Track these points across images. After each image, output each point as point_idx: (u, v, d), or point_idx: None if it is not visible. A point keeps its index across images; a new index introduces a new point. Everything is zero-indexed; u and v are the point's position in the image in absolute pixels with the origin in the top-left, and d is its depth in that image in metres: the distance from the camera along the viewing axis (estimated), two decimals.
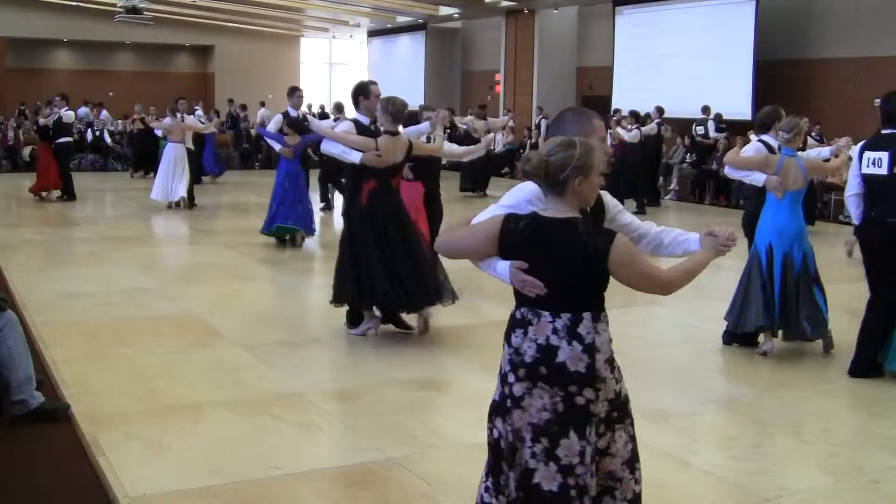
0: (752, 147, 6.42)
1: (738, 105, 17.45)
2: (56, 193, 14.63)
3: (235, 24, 27.95)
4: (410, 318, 6.59)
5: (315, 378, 5.51)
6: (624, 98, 19.89)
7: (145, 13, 22.47)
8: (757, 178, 6.10)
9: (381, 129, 6.29)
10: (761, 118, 6.71)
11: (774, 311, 6.01)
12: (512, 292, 2.87)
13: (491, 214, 2.94)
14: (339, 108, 15.28)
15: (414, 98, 24.62)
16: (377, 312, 6.43)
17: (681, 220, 14.49)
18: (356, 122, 6.39)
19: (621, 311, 6.70)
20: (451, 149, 7.77)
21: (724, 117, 17.36)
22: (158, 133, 15.81)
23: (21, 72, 27.45)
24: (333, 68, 32.79)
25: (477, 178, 17.01)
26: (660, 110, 16.50)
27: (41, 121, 14.55)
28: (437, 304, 6.37)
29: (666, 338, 6.59)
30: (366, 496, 3.88)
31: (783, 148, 6.13)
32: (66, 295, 7.71)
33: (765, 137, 6.44)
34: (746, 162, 6.21)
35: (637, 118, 15.35)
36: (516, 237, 2.80)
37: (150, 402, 5.00)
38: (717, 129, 17.24)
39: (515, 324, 2.83)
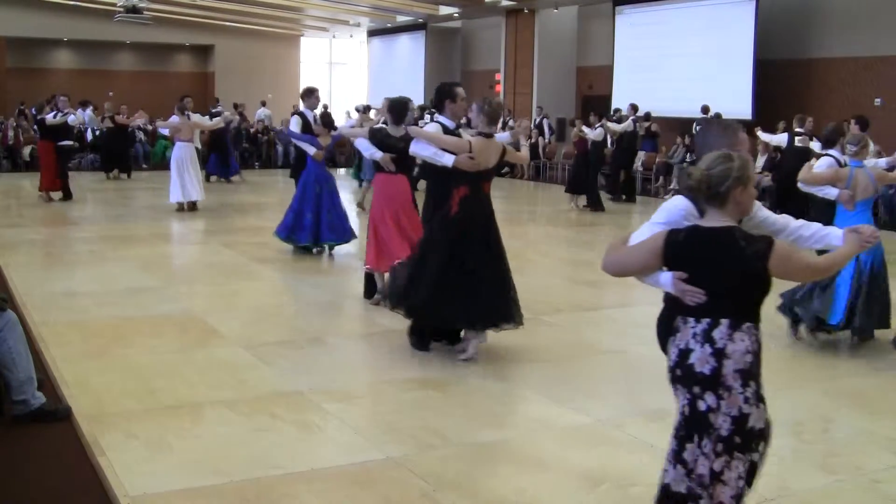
0: (825, 163, 6.68)
1: (738, 105, 17.45)
2: (58, 194, 14.50)
3: (235, 24, 27.96)
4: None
5: (315, 378, 5.51)
6: (624, 98, 19.87)
7: (145, 13, 22.48)
8: (829, 193, 6.38)
9: (475, 130, 5.96)
10: (827, 135, 7.11)
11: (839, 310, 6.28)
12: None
13: (648, 232, 3.15)
14: (366, 109, 15.30)
15: (414, 98, 24.66)
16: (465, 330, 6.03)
17: None
18: (442, 125, 6.07)
19: (621, 310, 6.72)
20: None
21: (724, 117, 17.35)
22: (164, 132, 15.14)
23: (21, 72, 27.47)
24: (333, 68, 32.80)
25: None
26: (633, 107, 16.84)
27: (49, 120, 14.30)
28: (503, 327, 5.87)
29: None
30: (366, 496, 3.88)
31: (851, 160, 6.46)
32: (66, 295, 7.71)
33: (832, 152, 6.79)
34: (819, 178, 6.46)
35: (601, 117, 15.68)
36: (678, 249, 2.97)
37: (150, 402, 5.00)
38: None
39: (672, 331, 3.05)
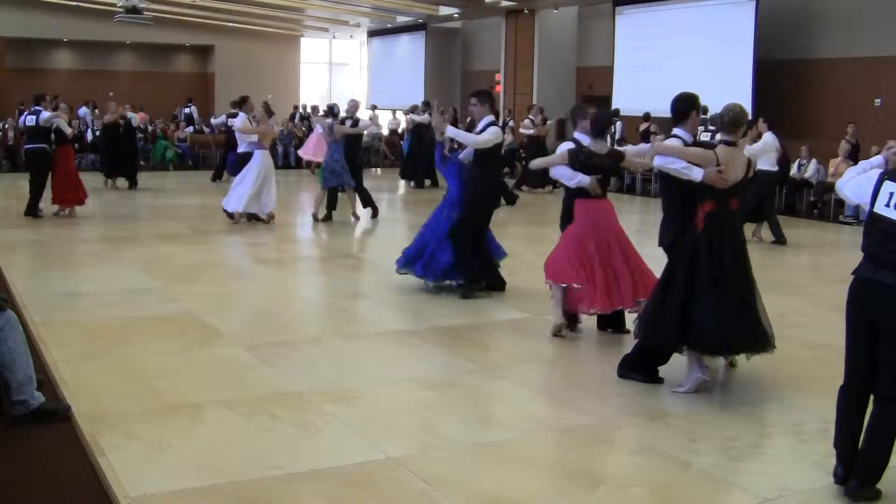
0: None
1: None
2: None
3: (235, 24, 27.96)
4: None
5: (315, 378, 5.51)
6: (624, 98, 19.89)
7: (145, 13, 22.46)
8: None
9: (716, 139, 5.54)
10: None
11: None
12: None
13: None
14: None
15: (414, 98, 24.67)
16: (706, 361, 5.49)
17: None
18: (682, 140, 5.54)
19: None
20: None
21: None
22: (252, 139, 12.19)
23: (21, 72, 27.46)
24: (333, 68, 32.80)
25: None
26: (540, 109, 18.76)
27: (63, 126, 12.68)
28: (764, 352, 5.47)
29: None
30: (366, 496, 3.88)
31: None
32: (66, 295, 7.71)
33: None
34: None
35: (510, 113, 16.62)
36: None
37: (150, 402, 5.00)
38: None
39: None
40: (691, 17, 18.94)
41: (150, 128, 22.91)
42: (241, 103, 12.68)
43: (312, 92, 31.46)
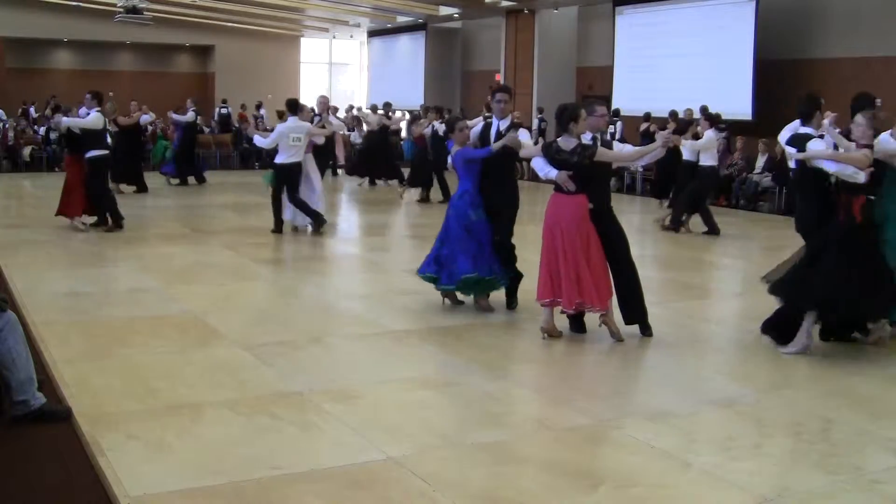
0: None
1: (738, 105, 17.44)
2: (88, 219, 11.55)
3: (235, 24, 27.98)
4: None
5: (315, 378, 5.51)
6: (624, 98, 19.89)
7: (145, 13, 22.48)
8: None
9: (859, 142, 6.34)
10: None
11: None
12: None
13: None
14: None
15: (414, 98, 24.69)
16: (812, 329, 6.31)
17: None
18: (811, 136, 6.58)
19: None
20: (623, 150, 6.93)
21: (724, 117, 17.30)
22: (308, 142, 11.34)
23: (21, 72, 27.50)
24: (333, 68, 32.81)
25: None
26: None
27: (67, 122, 11.25)
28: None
29: (666, 338, 6.58)
30: (366, 496, 3.88)
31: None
32: (67, 295, 7.71)
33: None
34: None
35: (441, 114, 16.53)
36: None
37: (150, 402, 5.00)
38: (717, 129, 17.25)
39: None
40: (691, 17, 18.94)
41: (149, 128, 22.93)
42: (298, 109, 11.18)
43: (312, 92, 31.47)
